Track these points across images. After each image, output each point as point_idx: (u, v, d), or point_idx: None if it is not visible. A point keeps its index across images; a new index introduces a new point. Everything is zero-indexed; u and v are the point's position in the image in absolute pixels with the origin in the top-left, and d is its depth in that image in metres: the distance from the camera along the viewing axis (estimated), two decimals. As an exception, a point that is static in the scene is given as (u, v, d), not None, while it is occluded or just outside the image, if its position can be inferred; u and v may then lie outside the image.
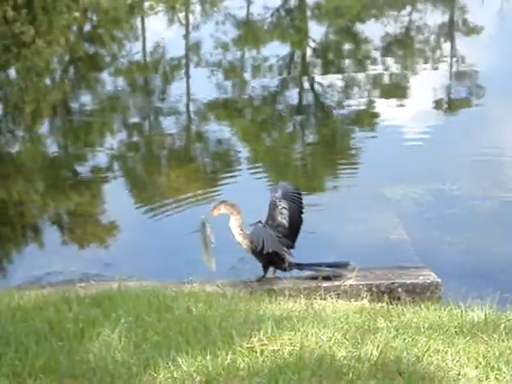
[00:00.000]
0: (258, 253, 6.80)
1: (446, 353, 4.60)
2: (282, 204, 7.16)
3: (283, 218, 7.11)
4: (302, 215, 7.28)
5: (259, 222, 6.94)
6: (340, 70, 18.51)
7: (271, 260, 6.94)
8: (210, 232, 6.94)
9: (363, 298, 6.46)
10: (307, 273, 6.99)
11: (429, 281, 6.78)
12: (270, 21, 24.20)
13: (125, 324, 5.02)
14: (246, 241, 6.93)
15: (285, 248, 6.96)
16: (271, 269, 7.04)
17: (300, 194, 7.38)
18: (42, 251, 9.37)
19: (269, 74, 18.47)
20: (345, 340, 4.74)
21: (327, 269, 6.89)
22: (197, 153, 13.40)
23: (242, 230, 6.98)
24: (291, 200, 7.26)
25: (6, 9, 22.24)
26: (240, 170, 11.92)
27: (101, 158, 12.89)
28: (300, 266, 6.99)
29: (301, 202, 7.33)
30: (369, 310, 5.68)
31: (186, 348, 4.61)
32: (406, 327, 5.11)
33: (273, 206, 7.18)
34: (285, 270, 6.98)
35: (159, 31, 22.68)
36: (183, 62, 20.04)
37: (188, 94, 17.12)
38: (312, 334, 4.80)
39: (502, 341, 4.82)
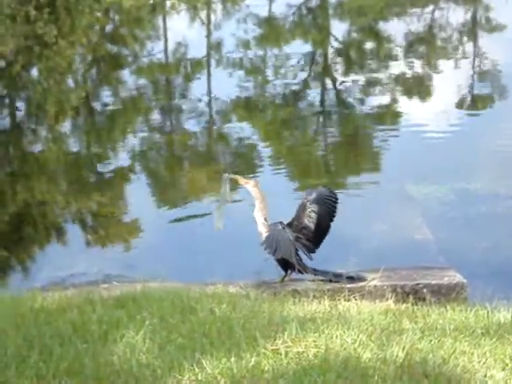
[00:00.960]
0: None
1: (472, 354, 4.57)
2: (312, 207, 7.12)
3: (310, 222, 7.08)
4: (332, 222, 7.23)
5: (280, 222, 6.92)
6: (362, 69, 18.44)
7: (286, 262, 6.92)
8: (229, 190, 6.99)
9: (388, 298, 6.40)
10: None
11: (454, 281, 6.73)
12: (291, 19, 24.13)
13: (149, 326, 5.02)
14: (270, 230, 6.92)
15: (301, 253, 6.92)
16: (289, 270, 7.01)
17: (336, 200, 7.32)
18: (64, 252, 9.39)
19: (291, 72, 18.42)
20: (370, 342, 4.72)
21: (342, 278, 6.83)
22: (219, 152, 13.39)
23: (266, 220, 7.00)
24: (324, 205, 7.20)
25: (29, 9, 22.31)
26: (262, 169, 11.90)
27: (123, 157, 12.91)
28: (316, 272, 6.95)
29: (334, 209, 7.27)
30: (394, 311, 5.63)
31: (211, 350, 4.60)
32: (432, 329, 5.07)
33: (302, 208, 7.15)
34: (300, 272, 6.95)
35: (181, 30, 22.69)
36: (205, 61, 20.03)
37: (209, 93, 17.12)
38: (337, 336, 4.78)
39: (529, 342, 4.77)
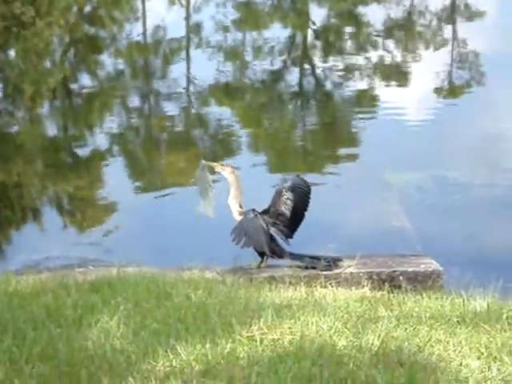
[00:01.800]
0: None
1: (447, 343, 4.57)
2: (288, 195, 7.14)
3: (286, 209, 7.09)
4: (305, 211, 7.26)
5: (252, 210, 6.91)
6: (341, 54, 18.41)
7: None
8: (209, 176, 6.96)
9: (364, 286, 6.40)
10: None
11: (430, 269, 6.73)
12: (270, 3, 24.04)
13: (124, 311, 4.99)
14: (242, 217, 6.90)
15: (278, 238, 6.92)
16: (265, 256, 6.99)
17: (309, 190, 7.34)
18: (40, 235, 9.32)
19: (270, 56, 18.38)
20: (345, 329, 4.71)
21: (320, 261, 6.82)
22: (197, 136, 13.33)
23: (241, 207, 6.98)
24: (299, 194, 7.23)
25: (6, -11, 22.06)
26: (240, 153, 11.86)
27: (101, 140, 12.83)
28: (293, 256, 6.94)
29: (308, 198, 7.30)
30: (369, 299, 5.63)
31: (186, 336, 4.57)
32: (408, 317, 5.07)
33: (278, 195, 7.16)
34: (277, 257, 6.94)
35: (160, 12, 22.55)
36: (183, 44, 19.94)
37: (188, 76, 17.04)
38: (312, 323, 4.77)
39: (505, 331, 4.79)
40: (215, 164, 7.25)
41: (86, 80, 16.96)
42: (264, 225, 6.81)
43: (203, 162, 7.17)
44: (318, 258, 6.82)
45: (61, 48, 19.72)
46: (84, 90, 16.10)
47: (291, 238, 7.07)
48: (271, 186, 7.62)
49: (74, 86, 16.57)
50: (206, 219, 7.44)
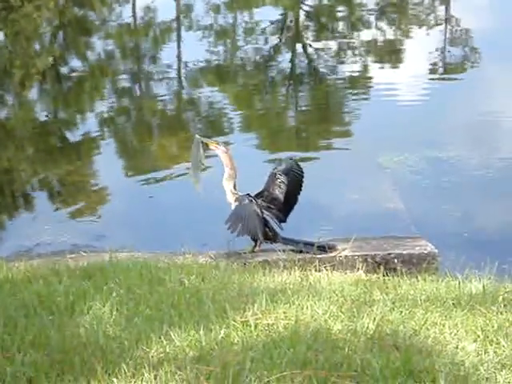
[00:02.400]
0: None
1: (443, 326, 4.54)
2: (282, 178, 7.11)
3: (280, 192, 7.07)
4: (299, 195, 7.24)
5: (247, 194, 6.86)
6: (333, 34, 18.34)
7: None
8: (203, 153, 6.90)
9: (359, 269, 6.38)
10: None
11: (425, 251, 6.70)
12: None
13: (116, 297, 4.95)
14: (237, 203, 6.85)
15: (272, 222, 6.88)
16: (259, 240, 6.95)
17: (302, 175, 7.33)
18: (31, 221, 9.25)
19: (261, 38, 18.29)
20: (340, 313, 4.68)
21: (313, 246, 6.78)
22: (189, 118, 13.26)
23: (235, 188, 6.93)
24: (292, 177, 7.22)
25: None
26: (233, 135, 11.80)
27: (92, 124, 12.75)
28: (286, 241, 6.90)
29: (301, 183, 7.30)
30: (365, 282, 5.60)
31: (179, 322, 4.53)
32: (403, 300, 5.03)
33: (272, 178, 7.14)
34: (271, 242, 6.90)
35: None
36: (174, 25, 19.83)
37: (179, 58, 16.96)
38: (307, 307, 4.73)
39: (501, 313, 4.75)
40: (210, 141, 7.18)
41: (75, 63, 16.85)
42: (258, 210, 6.76)
43: (197, 136, 7.11)
44: (311, 244, 6.78)
45: (50, 31, 19.59)
46: (74, 73, 16.00)
47: (284, 221, 7.04)
48: (263, 168, 7.59)
49: (63, 69, 16.47)
50: (199, 203, 7.40)
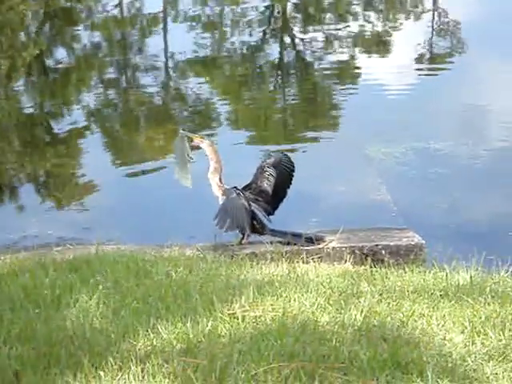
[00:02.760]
0: None
1: (431, 317, 4.54)
2: (271, 171, 7.10)
3: (268, 185, 7.06)
4: (288, 189, 7.24)
5: (235, 188, 6.84)
6: (321, 25, 18.30)
7: None
8: (188, 146, 6.88)
9: (346, 260, 6.37)
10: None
11: (413, 242, 6.70)
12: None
13: (103, 290, 4.93)
14: (224, 197, 6.83)
15: (260, 214, 6.86)
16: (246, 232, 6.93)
17: (293, 168, 7.32)
18: (17, 214, 9.20)
19: (248, 29, 18.24)
20: (328, 305, 4.68)
21: (301, 238, 6.76)
22: (176, 111, 13.22)
23: (221, 182, 6.91)
24: (282, 170, 7.21)
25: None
26: (220, 127, 11.78)
27: (78, 116, 12.69)
28: (274, 233, 6.89)
29: (291, 176, 7.28)
30: (352, 274, 5.59)
31: (166, 315, 4.53)
32: (390, 291, 5.04)
33: (260, 171, 7.13)
34: (259, 234, 6.89)
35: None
36: (161, 16, 19.74)
37: (166, 49, 16.90)
38: (294, 300, 4.73)
39: (488, 304, 4.75)
40: (194, 135, 7.16)
41: (62, 54, 16.77)
42: (246, 203, 6.73)
43: (182, 131, 7.09)
44: (299, 236, 6.77)
45: (36, 22, 19.49)
46: (60, 65, 15.92)
47: (272, 214, 7.02)
48: (250, 159, 7.57)
49: (49, 61, 16.39)
50: (186, 196, 7.37)
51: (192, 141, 7.07)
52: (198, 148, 7.14)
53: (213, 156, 6.97)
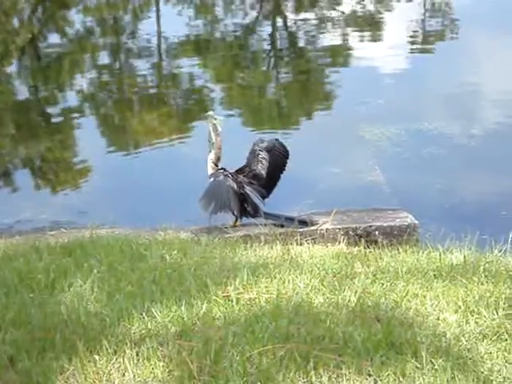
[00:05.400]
0: None
1: (424, 297, 4.54)
2: (264, 155, 7.10)
3: (262, 168, 7.06)
4: (281, 174, 7.25)
5: (222, 169, 6.83)
6: (313, 6, 18.26)
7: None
8: (212, 129, 6.91)
9: (340, 242, 6.38)
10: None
11: (406, 223, 6.69)
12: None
13: (97, 274, 4.92)
14: (211, 179, 6.84)
15: (253, 196, 6.86)
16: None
17: (286, 154, 7.32)
18: (11, 198, 9.19)
19: (241, 10, 18.19)
20: (322, 286, 4.68)
21: (294, 221, 6.75)
22: (169, 94, 13.19)
23: (216, 165, 6.91)
24: (275, 155, 7.21)
25: None
26: (214, 110, 11.74)
27: (72, 100, 12.68)
28: (267, 215, 6.88)
29: (285, 161, 7.29)
30: (346, 255, 5.59)
31: (161, 298, 4.52)
32: (384, 272, 5.04)
33: (253, 154, 7.12)
34: (252, 216, 6.88)
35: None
36: (153, -1, 19.71)
37: (159, 32, 16.84)
38: (289, 281, 4.73)
39: (482, 284, 4.76)
40: (215, 119, 7.09)
41: (55, 38, 16.71)
42: (234, 185, 6.72)
43: (211, 113, 7.11)
44: (292, 218, 6.76)
45: (28, 6, 19.40)
46: (53, 49, 15.87)
47: (267, 197, 7.02)
48: (244, 141, 7.57)
49: (42, 45, 16.33)
50: (181, 179, 7.36)
51: (210, 121, 7.05)
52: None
53: (218, 145, 6.97)
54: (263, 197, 6.97)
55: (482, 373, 3.67)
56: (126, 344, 3.93)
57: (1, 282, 4.88)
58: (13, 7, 18.79)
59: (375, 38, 15.58)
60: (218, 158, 6.98)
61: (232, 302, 4.44)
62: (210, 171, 6.92)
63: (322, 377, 3.60)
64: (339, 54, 14.56)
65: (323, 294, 4.55)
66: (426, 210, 7.66)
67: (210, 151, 6.99)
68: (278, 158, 7.22)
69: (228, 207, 6.65)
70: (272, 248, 5.84)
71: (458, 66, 13.14)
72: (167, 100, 12.81)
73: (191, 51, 15.39)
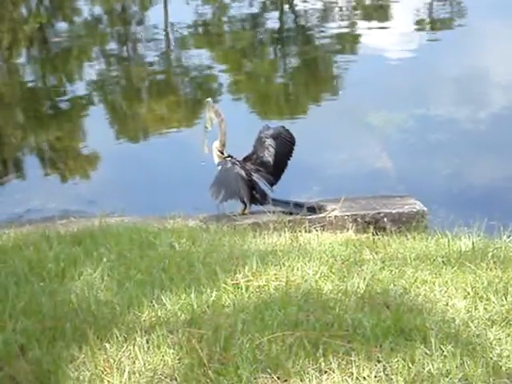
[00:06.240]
0: None
1: (433, 284, 4.54)
2: (270, 142, 7.11)
3: (269, 155, 7.07)
4: (288, 161, 7.25)
5: (230, 157, 6.85)
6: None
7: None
8: (210, 116, 6.93)
9: (348, 229, 6.38)
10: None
11: (415, 210, 6.69)
12: None
13: (107, 262, 4.93)
14: (220, 167, 6.87)
15: (261, 183, 6.87)
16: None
17: (293, 141, 7.32)
18: (21, 187, 9.23)
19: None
20: (331, 273, 4.68)
21: (302, 208, 6.76)
22: (177, 82, 13.19)
23: (222, 153, 6.93)
24: (281, 142, 7.22)
25: None
26: (222, 98, 11.75)
27: (81, 89, 12.69)
28: (276, 202, 6.89)
29: (291, 148, 7.29)
30: (354, 242, 5.59)
31: (170, 286, 4.53)
32: (393, 258, 5.04)
33: (260, 142, 7.13)
34: (261, 204, 6.90)
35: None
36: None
37: (166, 20, 16.83)
38: (298, 269, 4.73)
39: (490, 270, 4.76)
40: (214, 108, 7.11)
41: (63, 27, 16.71)
42: (243, 172, 6.74)
43: (209, 99, 7.12)
44: (301, 205, 6.77)
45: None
46: (62, 38, 15.87)
47: (274, 184, 7.03)
48: (251, 129, 7.57)
49: (51, 34, 16.33)
50: (190, 167, 7.35)
51: (211, 111, 7.06)
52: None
53: (224, 131, 7.00)
54: (271, 184, 6.98)
55: (491, 359, 3.67)
56: (136, 332, 3.95)
57: (11, 271, 4.89)
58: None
59: (382, 25, 15.53)
60: (224, 145, 6.99)
61: (241, 289, 4.45)
62: (217, 159, 6.93)
63: (331, 363, 3.61)
64: (346, 41, 14.53)
65: (332, 281, 4.55)
66: (434, 196, 7.65)
67: (206, 139, 7.02)
68: (285, 145, 7.23)
69: (238, 195, 6.67)
70: (281, 235, 5.85)
71: (465, 51, 13.10)
72: (176, 88, 12.81)
73: (199, 39, 15.37)
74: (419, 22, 15.54)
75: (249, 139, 7.37)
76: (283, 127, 7.42)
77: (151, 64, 13.88)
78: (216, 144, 7.02)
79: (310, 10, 16.75)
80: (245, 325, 3.96)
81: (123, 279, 4.70)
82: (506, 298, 4.29)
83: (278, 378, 3.53)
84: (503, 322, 4.04)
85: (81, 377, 3.63)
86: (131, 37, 15.97)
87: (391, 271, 4.74)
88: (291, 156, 7.26)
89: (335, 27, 15.21)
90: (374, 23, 15.71)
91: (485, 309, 4.21)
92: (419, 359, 3.62)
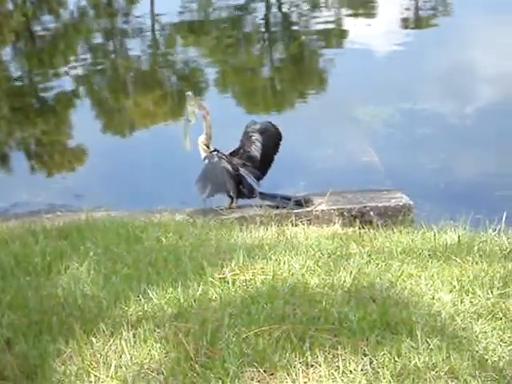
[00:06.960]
0: None
1: (419, 277, 4.54)
2: (257, 136, 7.12)
3: (256, 150, 7.09)
4: (275, 156, 7.28)
5: (216, 151, 6.85)
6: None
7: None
8: (192, 110, 6.92)
9: (335, 223, 6.39)
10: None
11: (401, 203, 6.71)
12: None
13: (93, 257, 4.92)
14: (206, 161, 6.87)
15: (248, 178, 6.88)
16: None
17: (279, 137, 7.35)
18: (7, 181, 9.20)
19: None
20: (317, 267, 4.67)
21: (288, 201, 6.77)
22: (164, 76, 13.16)
23: (208, 147, 6.93)
24: (268, 137, 7.24)
25: None
26: (208, 92, 11.74)
27: (67, 82, 12.64)
28: (263, 196, 6.90)
29: (278, 143, 7.32)
30: (341, 236, 5.60)
31: (157, 280, 4.52)
32: (379, 252, 5.05)
33: (246, 136, 7.14)
34: (248, 197, 6.91)
35: None
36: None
37: (152, 14, 16.78)
38: (284, 262, 4.73)
39: (476, 263, 4.76)
40: (197, 101, 7.12)
41: (48, 21, 16.64)
42: (229, 166, 6.74)
43: (189, 93, 7.10)
44: (288, 198, 6.78)
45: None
46: (47, 31, 15.81)
47: (261, 179, 7.04)
48: (238, 123, 7.57)
49: (36, 28, 16.27)
50: (176, 161, 7.34)
51: (194, 104, 7.06)
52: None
53: (209, 124, 7.00)
54: (258, 178, 6.99)
55: (477, 352, 3.68)
56: (123, 326, 3.94)
57: (-3, 266, 4.89)
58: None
59: (369, 19, 15.54)
60: (210, 138, 6.99)
61: (228, 283, 4.44)
62: (203, 154, 6.93)
63: (317, 357, 3.61)
64: (333, 36, 14.53)
65: (318, 275, 4.55)
66: (421, 190, 7.67)
67: (187, 134, 7.01)
68: (271, 139, 7.25)
69: (224, 189, 6.68)
70: (267, 229, 5.85)
71: (452, 46, 13.11)
72: (162, 81, 12.78)
73: (185, 32, 15.34)
74: (406, 17, 15.56)
75: (235, 133, 7.37)
76: (269, 122, 7.43)
77: (137, 57, 13.85)
78: (202, 138, 7.01)
79: (297, 4, 16.75)
80: (231, 319, 3.96)
81: (110, 273, 4.70)
82: (491, 292, 4.30)
83: (265, 372, 3.53)
84: (489, 315, 4.05)
85: (67, 371, 3.62)
86: (117, 29, 15.92)
87: (377, 265, 4.74)
88: (278, 150, 7.29)
89: (322, 21, 15.21)
90: (361, 17, 15.72)
91: (471, 302, 4.21)
92: (405, 353, 3.63)
